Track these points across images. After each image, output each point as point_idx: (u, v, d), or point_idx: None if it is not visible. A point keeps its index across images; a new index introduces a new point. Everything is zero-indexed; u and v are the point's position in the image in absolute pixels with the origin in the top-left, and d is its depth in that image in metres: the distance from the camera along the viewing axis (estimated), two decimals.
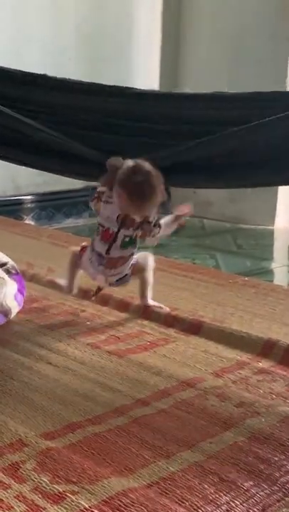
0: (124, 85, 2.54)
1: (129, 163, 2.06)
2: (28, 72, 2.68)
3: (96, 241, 2.17)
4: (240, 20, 4.46)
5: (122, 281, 2.24)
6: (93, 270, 2.21)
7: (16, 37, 4.10)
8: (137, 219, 2.11)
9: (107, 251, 2.14)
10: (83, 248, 2.26)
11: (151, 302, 2.34)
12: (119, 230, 2.12)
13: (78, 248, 2.28)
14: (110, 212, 2.11)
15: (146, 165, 2.05)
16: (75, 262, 2.28)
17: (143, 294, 2.33)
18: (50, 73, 2.69)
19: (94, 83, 2.54)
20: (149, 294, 2.33)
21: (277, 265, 3.67)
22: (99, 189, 2.17)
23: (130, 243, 2.16)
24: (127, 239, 2.13)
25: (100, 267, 2.18)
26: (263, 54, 4.34)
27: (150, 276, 2.30)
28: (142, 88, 2.64)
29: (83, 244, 2.30)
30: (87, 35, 4.43)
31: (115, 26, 4.56)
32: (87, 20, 4.41)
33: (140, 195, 2.04)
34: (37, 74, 2.66)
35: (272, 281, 3.25)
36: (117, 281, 2.23)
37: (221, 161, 2.28)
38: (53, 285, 2.46)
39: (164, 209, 2.26)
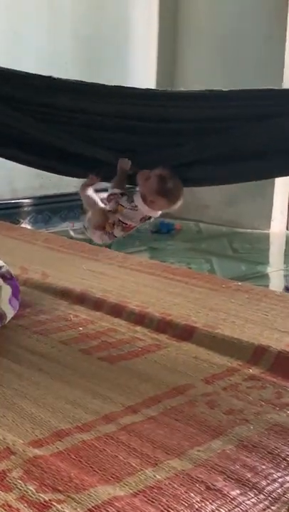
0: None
1: (153, 174, 2.34)
2: (35, 74, 2.65)
3: (115, 230, 2.48)
4: (236, 22, 4.47)
5: None
6: (100, 241, 2.59)
7: (13, 40, 4.11)
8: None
9: (122, 236, 2.52)
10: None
11: None
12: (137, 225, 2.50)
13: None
14: (135, 215, 2.43)
15: (165, 171, 2.33)
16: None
17: None
18: None
19: (104, 85, 2.51)
20: None
21: (272, 269, 3.66)
22: (113, 191, 2.43)
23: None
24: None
25: (108, 240, 2.57)
26: (260, 55, 4.35)
27: None
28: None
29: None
30: (84, 37, 4.44)
31: (112, 28, 4.57)
32: (84, 22, 4.42)
33: (176, 197, 2.40)
34: (43, 76, 2.63)
35: (267, 285, 3.25)
36: None
37: (228, 156, 2.34)
38: None
39: None
